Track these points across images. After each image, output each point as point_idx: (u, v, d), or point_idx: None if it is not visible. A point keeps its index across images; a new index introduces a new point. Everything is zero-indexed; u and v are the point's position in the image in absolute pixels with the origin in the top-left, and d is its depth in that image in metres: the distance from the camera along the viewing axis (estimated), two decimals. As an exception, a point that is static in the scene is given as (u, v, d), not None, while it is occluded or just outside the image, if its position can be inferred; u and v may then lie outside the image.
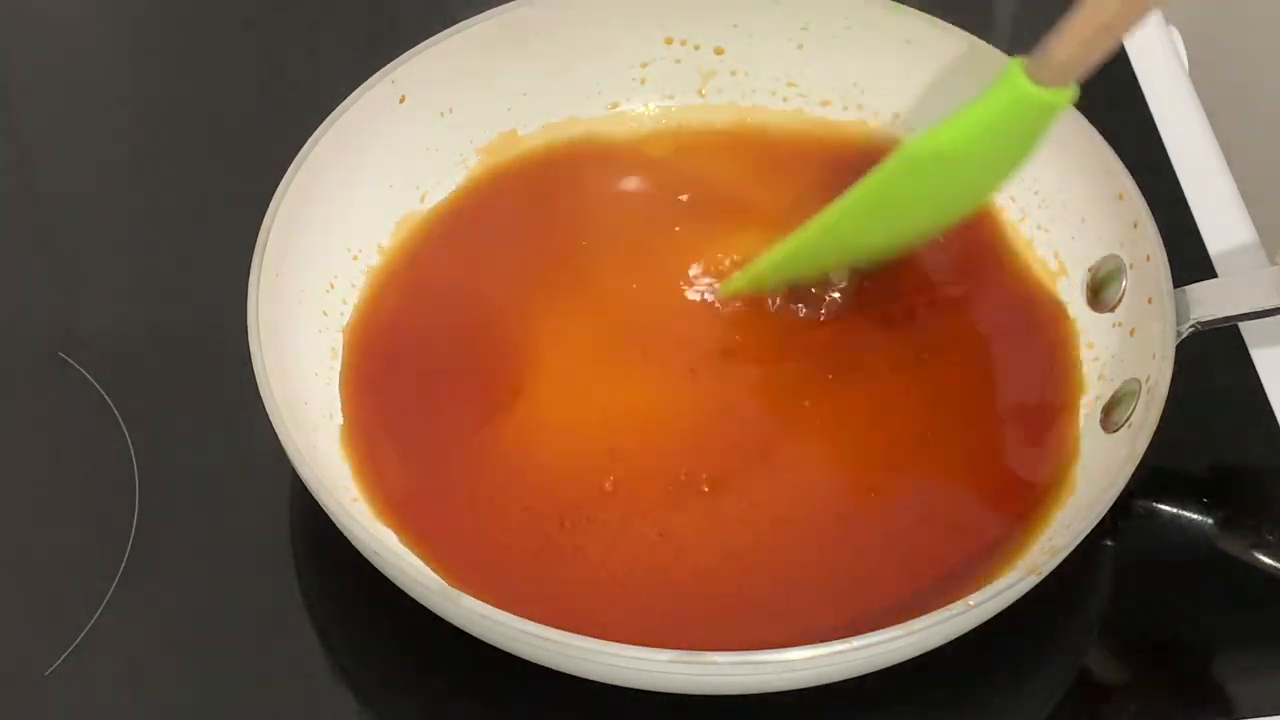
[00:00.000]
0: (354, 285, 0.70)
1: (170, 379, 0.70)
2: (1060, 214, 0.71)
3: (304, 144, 0.68)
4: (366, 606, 0.63)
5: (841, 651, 0.56)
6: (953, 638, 0.58)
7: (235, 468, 0.67)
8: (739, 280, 0.69)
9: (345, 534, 0.59)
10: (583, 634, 0.56)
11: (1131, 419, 0.63)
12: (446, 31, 0.72)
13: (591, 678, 0.58)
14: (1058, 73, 0.60)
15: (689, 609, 0.62)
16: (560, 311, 0.69)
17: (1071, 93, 0.61)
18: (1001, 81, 0.61)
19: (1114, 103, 0.78)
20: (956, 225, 0.69)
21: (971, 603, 0.57)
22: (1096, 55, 0.60)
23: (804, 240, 0.67)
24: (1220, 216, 0.74)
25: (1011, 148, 0.63)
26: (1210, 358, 0.68)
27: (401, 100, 0.71)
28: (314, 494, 0.60)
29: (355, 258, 0.70)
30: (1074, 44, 0.59)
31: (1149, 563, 0.65)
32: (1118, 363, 0.66)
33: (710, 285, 0.70)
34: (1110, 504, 0.59)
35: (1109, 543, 0.65)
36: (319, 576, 0.65)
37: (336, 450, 0.65)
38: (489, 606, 0.57)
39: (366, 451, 0.65)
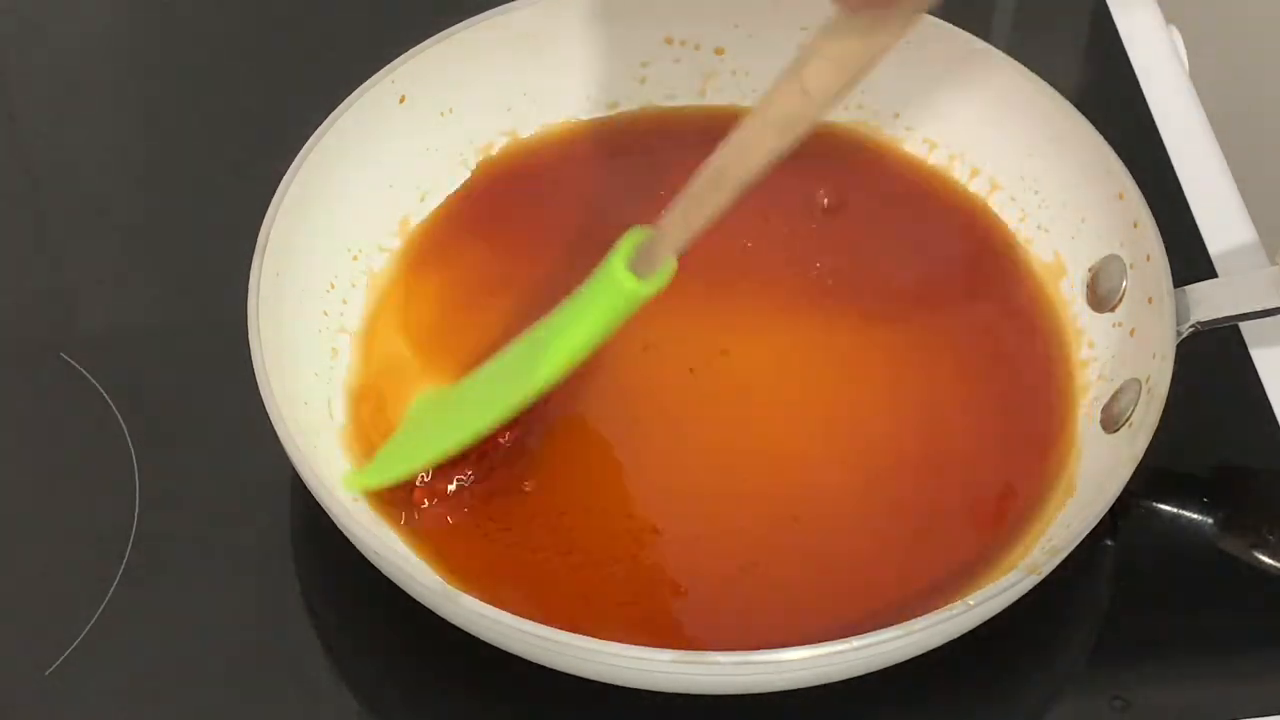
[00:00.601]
0: (354, 285, 0.70)
1: (170, 379, 0.70)
2: (1060, 214, 0.71)
3: (304, 144, 0.68)
4: (366, 606, 0.63)
5: (841, 651, 0.56)
6: (952, 638, 0.58)
7: (235, 468, 0.67)
8: (367, 477, 0.64)
9: (345, 534, 0.59)
10: (582, 634, 0.56)
11: (1131, 419, 0.63)
12: (446, 31, 0.72)
13: (591, 678, 0.58)
14: (667, 247, 0.60)
15: (689, 609, 0.62)
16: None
17: (667, 274, 0.60)
18: (606, 282, 0.61)
19: (1114, 103, 0.79)
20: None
21: (971, 603, 0.57)
22: (709, 212, 0.59)
23: (426, 422, 0.66)
24: (1220, 216, 0.74)
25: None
26: (1210, 358, 0.68)
27: (401, 100, 0.71)
28: (314, 494, 0.60)
29: (355, 258, 0.70)
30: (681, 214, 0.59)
31: (1149, 563, 0.65)
32: (1118, 363, 0.66)
33: (710, 285, 0.70)
34: (1110, 504, 0.59)
35: (1109, 543, 0.65)
36: (319, 576, 0.65)
37: (336, 450, 0.65)
38: (489, 606, 0.57)
39: (366, 452, 0.65)
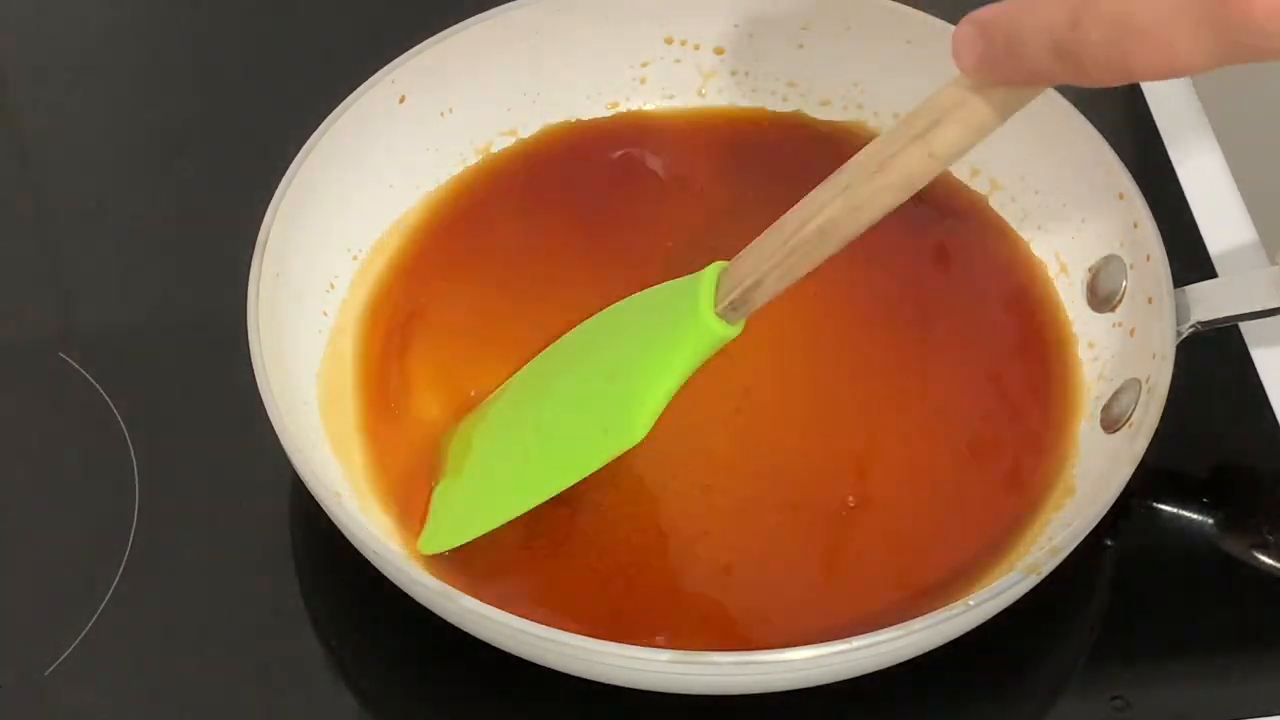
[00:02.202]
0: (354, 285, 0.70)
1: (170, 379, 0.70)
2: (1060, 214, 0.71)
3: (304, 144, 0.68)
4: (366, 606, 0.63)
5: (841, 651, 0.56)
6: (952, 638, 0.58)
7: (235, 467, 0.67)
8: (440, 538, 0.63)
9: (345, 534, 0.59)
10: (582, 634, 0.56)
11: (1131, 419, 0.63)
12: (446, 31, 0.72)
13: (591, 678, 0.58)
14: (755, 302, 0.58)
15: (689, 609, 0.62)
16: (560, 310, 0.69)
17: (742, 326, 0.59)
18: (695, 325, 0.59)
19: (1114, 103, 0.79)
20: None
21: (971, 603, 0.57)
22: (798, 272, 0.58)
23: (486, 475, 0.64)
24: (1220, 216, 0.74)
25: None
26: (1210, 358, 0.68)
27: (401, 100, 0.71)
28: (314, 494, 0.60)
29: (355, 258, 0.70)
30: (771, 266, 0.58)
31: (1149, 563, 0.65)
32: (1118, 363, 0.66)
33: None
34: (1110, 504, 0.59)
35: (1109, 543, 0.65)
36: (319, 576, 0.65)
37: (336, 450, 0.65)
38: (489, 606, 0.57)
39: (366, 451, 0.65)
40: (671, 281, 0.61)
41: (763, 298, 0.58)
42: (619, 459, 0.64)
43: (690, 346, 0.59)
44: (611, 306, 0.64)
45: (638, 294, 0.63)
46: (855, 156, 0.55)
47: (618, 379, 0.62)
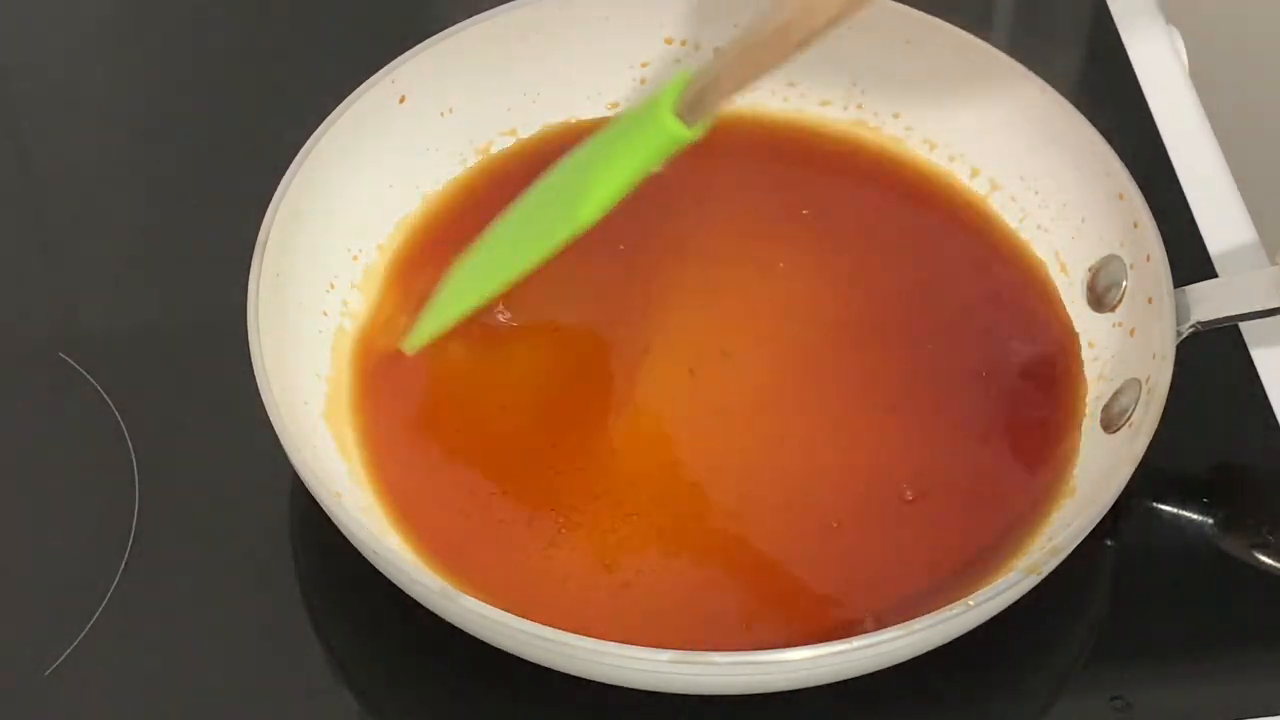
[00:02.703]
0: (354, 285, 0.70)
1: (170, 379, 0.70)
2: (1060, 214, 0.71)
3: (304, 144, 0.68)
4: (366, 606, 0.63)
5: (841, 651, 0.56)
6: (953, 638, 0.58)
7: (235, 468, 0.67)
8: (415, 338, 0.67)
9: (345, 534, 0.59)
10: (583, 634, 0.56)
11: (1131, 419, 0.63)
12: (446, 31, 0.72)
13: (591, 678, 0.58)
14: (711, 102, 0.60)
15: (689, 609, 0.62)
16: (559, 310, 0.69)
17: (708, 125, 0.61)
18: (653, 122, 0.61)
19: (1114, 103, 0.79)
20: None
21: (971, 603, 0.57)
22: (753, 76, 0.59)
23: (465, 272, 0.67)
24: (1220, 216, 0.74)
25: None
26: (1210, 358, 0.68)
27: (401, 100, 0.71)
28: (314, 494, 0.60)
29: (355, 258, 0.70)
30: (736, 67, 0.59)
31: (1149, 563, 0.65)
32: (1118, 363, 0.66)
33: (710, 286, 0.70)
34: (1110, 504, 0.59)
35: (1109, 543, 0.65)
36: (319, 576, 0.65)
37: (336, 450, 0.65)
38: (489, 606, 0.57)
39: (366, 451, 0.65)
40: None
41: (717, 99, 0.60)
42: (620, 461, 0.64)
43: (647, 142, 0.61)
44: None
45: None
46: None
47: (579, 171, 0.64)
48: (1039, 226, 0.71)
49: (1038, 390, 0.67)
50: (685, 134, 0.61)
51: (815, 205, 0.73)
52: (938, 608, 0.57)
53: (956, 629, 0.58)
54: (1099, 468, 0.63)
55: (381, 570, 0.59)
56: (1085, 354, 0.68)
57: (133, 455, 0.67)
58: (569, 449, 0.66)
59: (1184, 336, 0.64)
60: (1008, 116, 0.72)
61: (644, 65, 0.75)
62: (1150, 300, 0.65)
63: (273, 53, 0.83)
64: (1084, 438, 0.65)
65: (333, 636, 0.63)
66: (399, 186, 0.72)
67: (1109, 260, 0.68)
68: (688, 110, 0.60)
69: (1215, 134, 0.78)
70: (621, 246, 0.71)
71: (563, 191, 0.64)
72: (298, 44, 0.83)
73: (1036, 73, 0.71)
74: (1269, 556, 0.65)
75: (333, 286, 0.69)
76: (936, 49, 0.72)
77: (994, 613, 0.58)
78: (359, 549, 0.59)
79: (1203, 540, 0.66)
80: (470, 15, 0.72)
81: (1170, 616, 0.64)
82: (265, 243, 0.65)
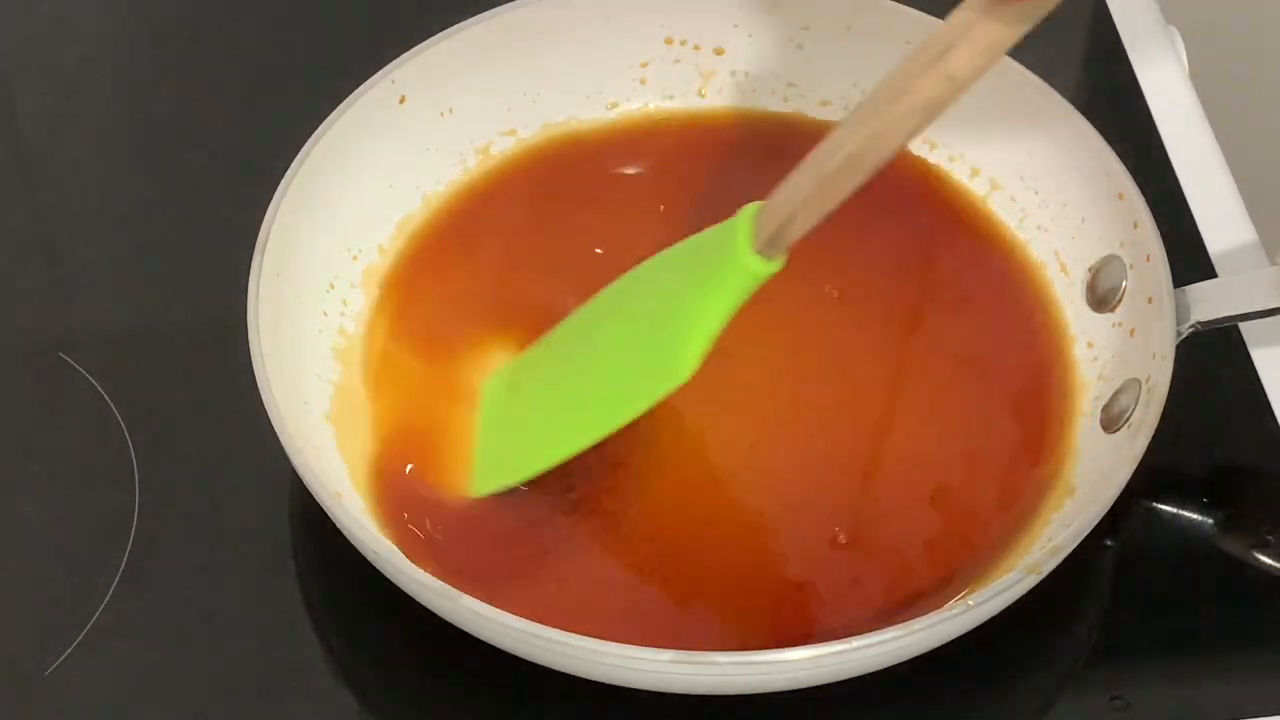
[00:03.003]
0: (354, 285, 0.70)
1: (170, 379, 0.70)
2: (1060, 214, 0.71)
3: (304, 144, 0.68)
4: (366, 606, 0.63)
5: (842, 651, 0.56)
6: (953, 638, 0.58)
7: (235, 468, 0.67)
8: (489, 481, 0.65)
9: (345, 534, 0.59)
10: (582, 634, 0.56)
11: (1131, 419, 0.63)
12: (446, 31, 0.72)
13: (591, 678, 0.58)
14: (790, 237, 0.59)
15: (689, 609, 0.62)
16: (560, 311, 0.69)
17: (782, 261, 0.60)
18: (734, 264, 0.60)
19: (1114, 103, 0.79)
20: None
21: (971, 603, 0.57)
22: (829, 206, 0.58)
23: (530, 419, 0.66)
24: (1220, 216, 0.74)
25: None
26: (1210, 358, 0.68)
27: (401, 100, 0.71)
28: (314, 494, 0.60)
29: (355, 258, 0.70)
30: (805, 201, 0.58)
31: (1149, 563, 0.65)
32: (1118, 363, 0.66)
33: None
34: (1110, 504, 0.59)
35: (1109, 543, 0.65)
36: (319, 576, 0.65)
37: (336, 450, 0.65)
38: (489, 606, 0.57)
39: (367, 450, 0.66)
40: (708, 229, 0.62)
41: (796, 232, 0.59)
42: (620, 461, 0.64)
43: (732, 284, 0.60)
44: (653, 257, 0.65)
45: (677, 244, 0.64)
46: (873, 89, 0.56)
47: (661, 322, 0.62)
48: (1039, 226, 0.71)
49: (1038, 390, 0.67)
50: (770, 269, 0.59)
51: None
52: (938, 608, 0.57)
53: (956, 629, 0.58)
54: (1099, 468, 0.63)
55: (381, 570, 0.59)
56: (1085, 354, 0.68)
57: (133, 455, 0.67)
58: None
59: (1184, 336, 0.64)
60: (1008, 116, 0.72)
61: (644, 65, 0.75)
62: (1150, 300, 0.65)
63: (273, 53, 0.83)
64: (1084, 438, 0.65)
65: (333, 636, 0.63)
66: (399, 186, 0.72)
67: (1109, 260, 0.68)
68: (766, 246, 0.59)
69: (1215, 134, 0.78)
70: (621, 249, 0.71)
71: (645, 341, 0.62)
72: (298, 44, 0.83)
73: (1036, 73, 0.71)
74: (1269, 556, 0.65)
75: (333, 286, 0.69)
76: (936, 49, 0.72)
77: (994, 613, 0.58)
78: (359, 549, 0.59)
79: (1203, 540, 0.66)
80: (470, 15, 0.72)
81: (1170, 616, 0.64)
82: (265, 243, 0.65)
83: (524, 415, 0.66)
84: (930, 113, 0.55)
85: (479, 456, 0.65)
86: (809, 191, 0.58)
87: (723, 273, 0.60)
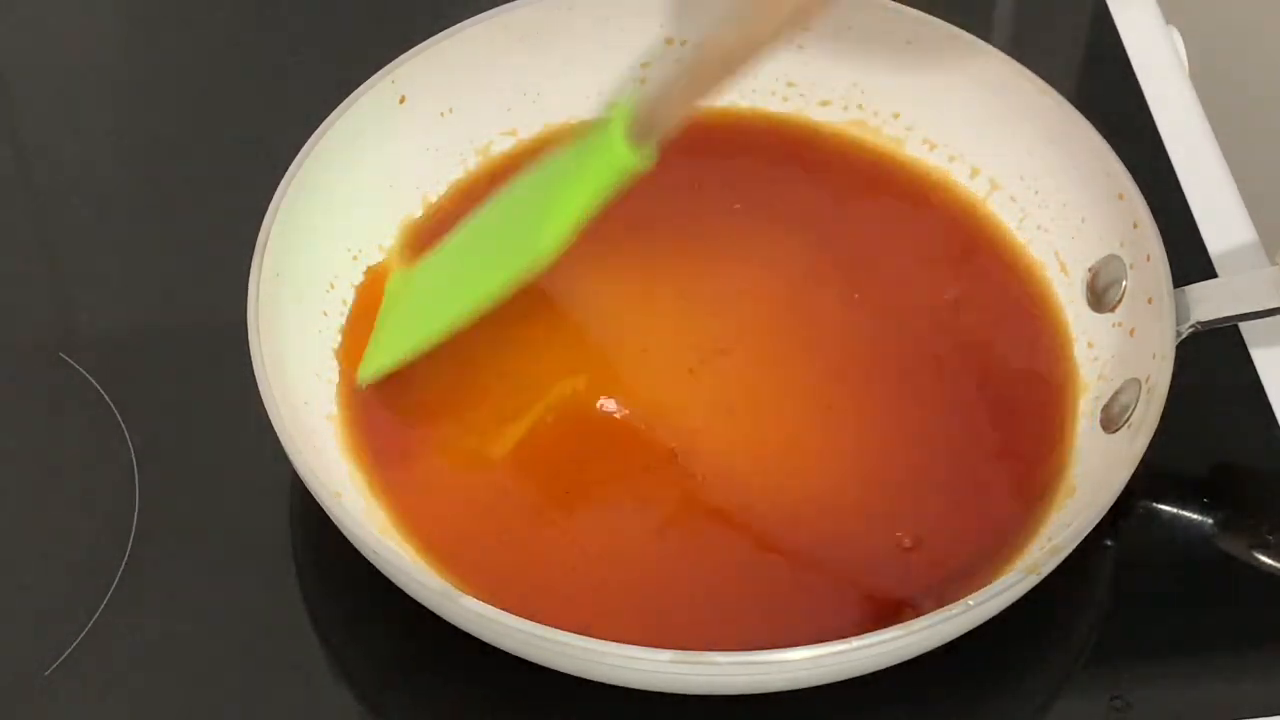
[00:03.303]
0: (354, 285, 0.70)
1: (170, 379, 0.70)
2: (1060, 214, 0.71)
3: (304, 144, 0.68)
4: (366, 606, 0.63)
5: (842, 651, 0.56)
6: (952, 638, 0.58)
7: (235, 468, 0.67)
8: (368, 368, 0.66)
9: (345, 534, 0.59)
10: (583, 634, 0.56)
11: (1131, 419, 0.63)
12: (446, 31, 0.72)
13: (591, 678, 0.58)
14: (657, 125, 0.61)
15: (689, 609, 0.62)
16: (559, 311, 0.69)
17: (652, 153, 0.61)
18: (604, 147, 0.62)
19: (1114, 103, 0.79)
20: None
21: (971, 603, 0.57)
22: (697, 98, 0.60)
23: (413, 301, 0.67)
24: (1220, 216, 0.74)
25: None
26: (1210, 358, 0.68)
27: (401, 100, 0.71)
28: (314, 494, 0.60)
29: (355, 258, 0.70)
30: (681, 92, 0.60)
31: (1149, 563, 0.65)
32: (1118, 363, 0.66)
33: (710, 286, 0.70)
34: (1110, 504, 0.59)
35: (1109, 543, 0.65)
36: (319, 576, 0.65)
37: (336, 450, 0.65)
38: (489, 606, 0.57)
39: (366, 451, 0.65)
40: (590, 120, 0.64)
41: (666, 119, 0.60)
42: (621, 462, 0.64)
43: (601, 169, 0.62)
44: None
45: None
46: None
47: (533, 205, 0.64)
48: (1039, 226, 0.71)
49: (1038, 390, 0.67)
50: (637, 160, 0.61)
51: (815, 205, 0.73)
52: (938, 608, 0.57)
53: (956, 629, 0.58)
54: (1099, 468, 0.63)
55: (381, 570, 0.59)
56: (1085, 354, 0.68)
57: (133, 455, 0.67)
58: (570, 449, 0.66)
59: (1184, 336, 0.64)
60: (1007, 116, 0.72)
61: (644, 65, 0.75)
62: (1150, 300, 0.65)
63: (273, 53, 0.83)
64: (1084, 438, 0.65)
65: (333, 636, 0.63)
66: (399, 187, 0.72)
67: (1109, 260, 0.68)
68: (641, 131, 0.61)
69: (1215, 134, 0.78)
70: (620, 246, 0.71)
71: (518, 225, 0.64)
72: (298, 44, 0.83)
73: (1036, 73, 0.71)
74: (1269, 556, 0.65)
75: (333, 286, 0.69)
76: (936, 49, 0.72)
77: (994, 613, 0.58)
78: (359, 549, 0.59)
79: (1203, 540, 0.66)
80: (470, 15, 0.72)
81: (1170, 616, 0.64)
82: (265, 243, 0.65)
83: (410, 305, 0.67)
84: (799, 16, 0.56)
85: (369, 349, 0.66)
86: (683, 82, 0.60)
87: (594, 157, 0.62)
